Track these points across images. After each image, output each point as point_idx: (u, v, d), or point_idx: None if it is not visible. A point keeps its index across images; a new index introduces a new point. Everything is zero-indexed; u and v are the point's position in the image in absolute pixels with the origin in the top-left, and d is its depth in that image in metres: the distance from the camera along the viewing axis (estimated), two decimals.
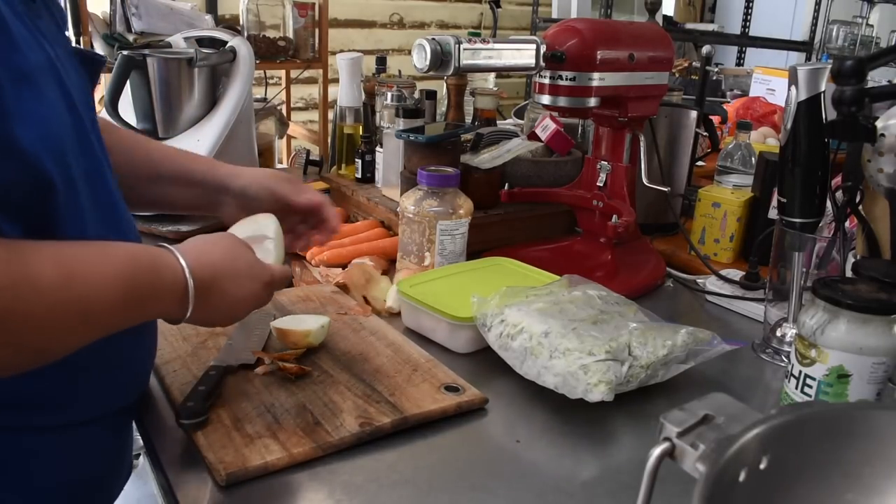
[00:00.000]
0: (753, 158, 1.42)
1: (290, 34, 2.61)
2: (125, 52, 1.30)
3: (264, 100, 2.46)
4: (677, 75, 3.44)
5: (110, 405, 0.68)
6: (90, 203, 0.60)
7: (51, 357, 0.54)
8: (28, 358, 0.52)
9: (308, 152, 1.79)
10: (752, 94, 2.52)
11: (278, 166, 2.47)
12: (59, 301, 0.51)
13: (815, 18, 4.10)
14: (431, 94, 1.53)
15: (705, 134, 1.49)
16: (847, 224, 0.96)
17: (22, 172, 0.52)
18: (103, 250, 0.57)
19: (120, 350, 0.66)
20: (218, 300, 0.66)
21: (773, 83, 2.47)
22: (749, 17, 4.41)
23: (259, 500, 0.65)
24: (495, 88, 1.72)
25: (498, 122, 1.65)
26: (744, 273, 1.18)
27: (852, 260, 0.90)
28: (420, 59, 0.96)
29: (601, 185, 1.20)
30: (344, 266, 1.16)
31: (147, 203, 0.85)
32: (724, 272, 1.20)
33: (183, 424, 0.71)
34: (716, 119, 1.67)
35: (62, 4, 2.34)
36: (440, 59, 0.95)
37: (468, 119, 1.62)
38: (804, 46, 4.10)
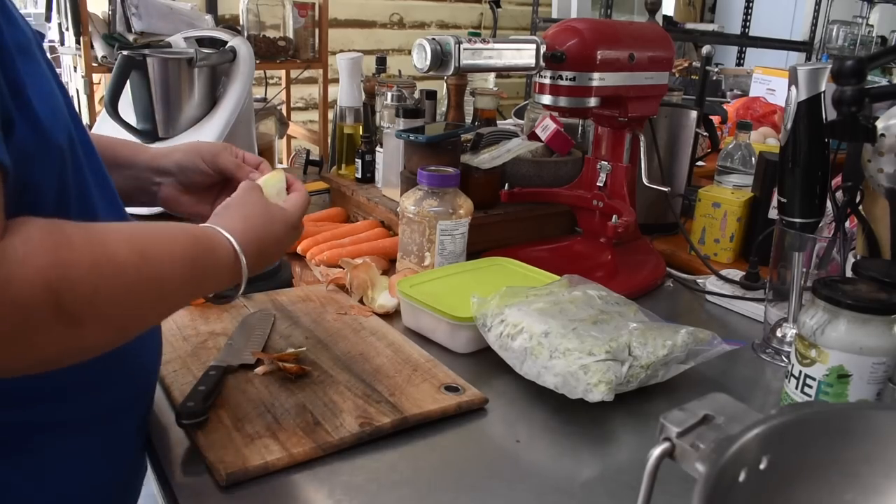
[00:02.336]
0: (753, 158, 1.42)
1: (290, 34, 2.61)
2: (125, 52, 1.30)
3: (264, 100, 2.46)
4: (677, 75, 3.44)
5: (128, 394, 0.68)
6: (91, 174, 0.61)
7: (130, 336, 0.57)
8: (112, 337, 0.55)
9: (308, 152, 1.80)
10: (752, 94, 2.53)
11: (278, 166, 2.47)
12: (137, 279, 0.53)
13: (815, 18, 4.10)
14: (431, 94, 1.53)
15: (705, 134, 1.49)
16: (847, 224, 0.96)
17: (42, 146, 0.52)
18: (167, 231, 0.60)
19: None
20: (261, 263, 0.71)
21: (773, 83, 2.47)
22: (749, 17, 4.41)
23: (259, 500, 0.65)
24: (495, 88, 1.72)
25: (498, 122, 1.65)
26: (744, 273, 1.18)
27: (852, 260, 0.90)
28: (420, 59, 0.96)
29: (601, 185, 1.20)
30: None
31: None
32: (724, 272, 1.20)
33: (183, 424, 0.71)
34: (716, 119, 1.67)
35: (63, 4, 2.35)
36: (440, 59, 0.95)
37: (468, 119, 1.62)
38: (804, 46, 4.10)
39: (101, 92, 2.35)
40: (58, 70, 2.80)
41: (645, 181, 1.16)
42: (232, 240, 0.65)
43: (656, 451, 0.46)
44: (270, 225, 0.72)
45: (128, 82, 1.31)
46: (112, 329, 0.53)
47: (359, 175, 1.43)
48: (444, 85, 1.59)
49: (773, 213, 1.20)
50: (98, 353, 0.54)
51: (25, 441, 0.59)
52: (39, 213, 0.52)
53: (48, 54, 0.60)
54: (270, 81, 2.79)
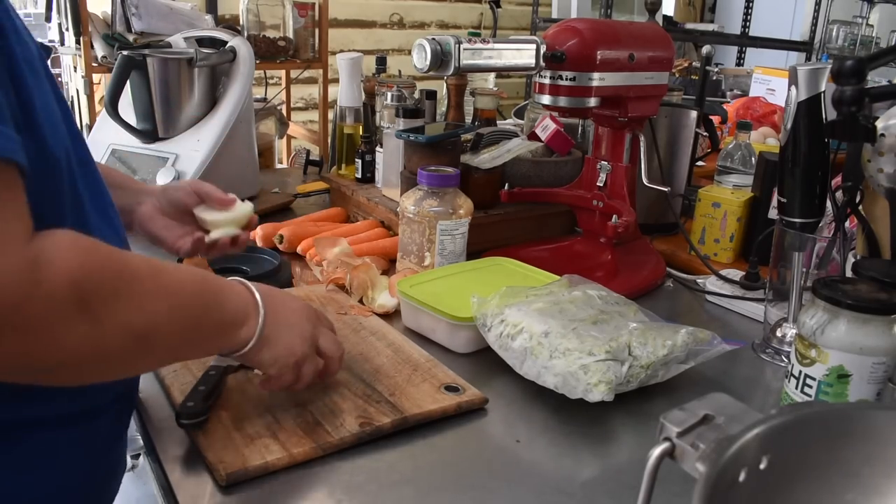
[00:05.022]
0: (753, 158, 1.42)
1: (290, 34, 2.61)
2: (125, 52, 1.30)
3: (264, 100, 2.46)
4: (677, 75, 3.44)
5: (109, 394, 0.69)
6: (86, 189, 0.63)
7: (146, 350, 0.58)
8: (129, 344, 0.56)
9: (308, 152, 1.80)
10: (752, 94, 2.53)
11: (278, 166, 2.47)
12: (153, 289, 0.57)
13: (815, 18, 4.10)
14: (431, 94, 1.53)
15: (705, 134, 1.49)
16: (847, 224, 0.96)
17: (42, 157, 0.54)
18: (179, 265, 0.65)
19: None
20: (279, 308, 0.70)
21: (773, 83, 2.47)
22: (749, 17, 4.41)
23: (259, 500, 0.65)
24: (495, 88, 1.72)
25: (498, 122, 1.65)
26: (744, 273, 1.18)
27: (852, 260, 0.90)
28: (420, 59, 0.96)
29: (601, 185, 1.20)
30: None
31: None
32: (724, 272, 1.20)
33: (183, 424, 0.71)
34: (716, 119, 1.67)
35: (63, 4, 2.35)
36: (440, 59, 0.95)
37: (468, 119, 1.62)
38: (804, 46, 4.10)
39: (101, 92, 2.35)
40: (58, 71, 2.80)
41: (645, 181, 1.16)
42: (246, 282, 0.68)
43: (656, 451, 0.46)
44: (286, 296, 0.74)
45: (128, 82, 1.31)
46: (130, 335, 0.55)
47: (359, 175, 1.43)
48: (444, 85, 1.59)
49: (773, 213, 1.20)
50: (116, 362, 0.57)
51: (7, 435, 0.60)
52: (35, 223, 0.52)
53: (50, 67, 0.61)
54: (270, 81, 2.79)
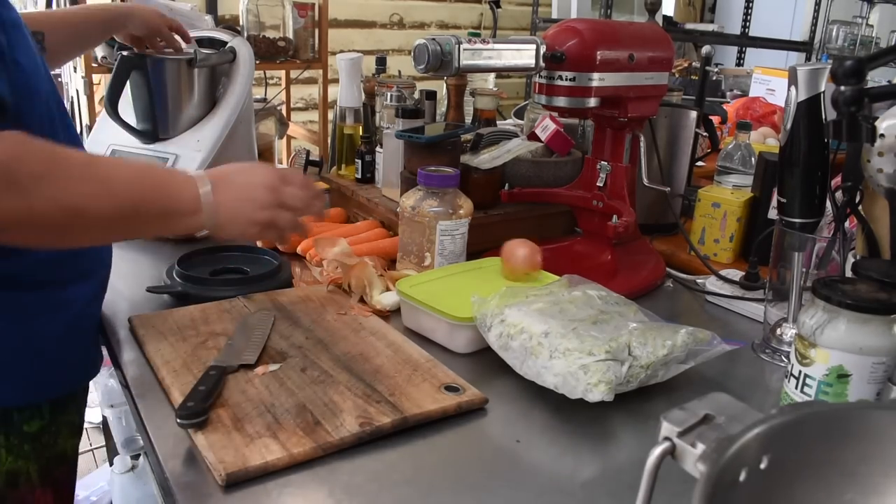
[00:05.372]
0: (753, 158, 1.42)
1: (290, 34, 2.61)
2: (125, 53, 1.29)
3: (264, 100, 2.46)
4: (677, 75, 3.45)
5: (89, 264, 0.81)
6: (62, 126, 0.76)
7: (76, 222, 0.67)
8: (58, 216, 0.65)
9: (308, 152, 1.79)
10: (751, 94, 2.53)
11: (278, 166, 2.47)
12: (81, 173, 0.67)
13: (815, 18, 4.10)
14: (431, 95, 1.53)
15: (705, 134, 1.49)
16: (847, 224, 0.96)
17: (25, 87, 0.68)
18: (117, 160, 0.81)
19: None
20: (230, 190, 0.76)
21: (773, 83, 2.48)
22: (749, 17, 4.41)
23: (259, 500, 0.65)
24: (495, 88, 1.72)
25: (498, 122, 1.65)
26: (744, 273, 1.18)
27: (852, 260, 0.90)
28: (420, 59, 0.96)
29: (601, 185, 1.20)
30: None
31: (73, 53, 1.26)
32: (723, 272, 1.20)
33: (183, 424, 0.71)
34: (716, 119, 1.67)
35: (62, 4, 2.35)
36: (440, 59, 0.95)
37: (468, 119, 1.62)
38: (804, 46, 4.10)
39: (101, 92, 2.35)
40: (57, 71, 2.80)
41: (645, 181, 1.16)
42: (196, 175, 0.75)
43: (657, 451, 0.46)
44: (238, 164, 0.81)
45: (128, 83, 1.31)
46: (58, 209, 0.65)
47: (359, 175, 1.43)
48: (444, 85, 1.59)
49: (772, 213, 1.20)
50: (49, 229, 0.67)
51: (12, 288, 0.71)
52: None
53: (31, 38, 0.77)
54: (270, 81, 2.79)
